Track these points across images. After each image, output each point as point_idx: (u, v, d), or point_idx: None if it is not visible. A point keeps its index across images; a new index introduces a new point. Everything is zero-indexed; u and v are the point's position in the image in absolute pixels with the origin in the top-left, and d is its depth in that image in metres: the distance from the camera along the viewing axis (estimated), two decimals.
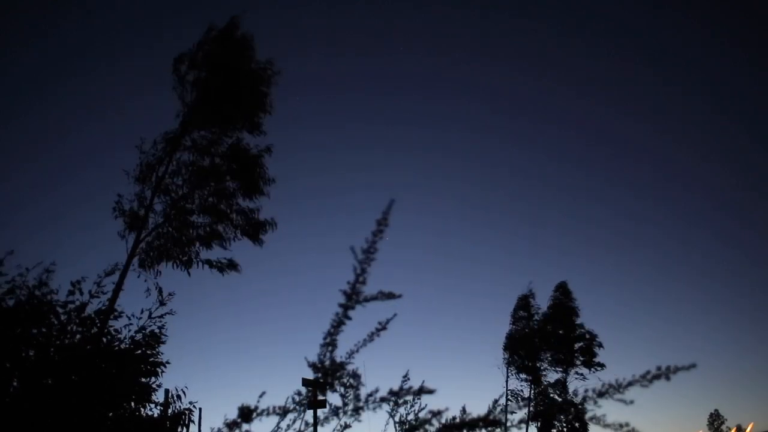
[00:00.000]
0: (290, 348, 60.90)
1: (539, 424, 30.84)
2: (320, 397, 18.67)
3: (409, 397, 2.34)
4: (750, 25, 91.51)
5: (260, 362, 62.02)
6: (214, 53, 15.21)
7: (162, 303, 6.30)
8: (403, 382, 2.60)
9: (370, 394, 2.20)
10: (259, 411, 2.13)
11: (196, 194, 14.68)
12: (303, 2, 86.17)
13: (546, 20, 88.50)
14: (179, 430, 6.42)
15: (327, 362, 2.15)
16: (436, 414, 2.04)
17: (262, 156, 15.21)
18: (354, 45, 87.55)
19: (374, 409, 2.19)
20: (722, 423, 54.89)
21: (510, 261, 71.23)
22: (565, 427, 30.84)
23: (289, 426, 2.60)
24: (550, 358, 31.63)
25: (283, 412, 2.24)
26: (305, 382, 18.98)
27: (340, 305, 2.06)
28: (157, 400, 6.29)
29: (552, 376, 32.07)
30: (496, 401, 2.22)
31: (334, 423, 2.31)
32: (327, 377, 2.17)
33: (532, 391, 31.59)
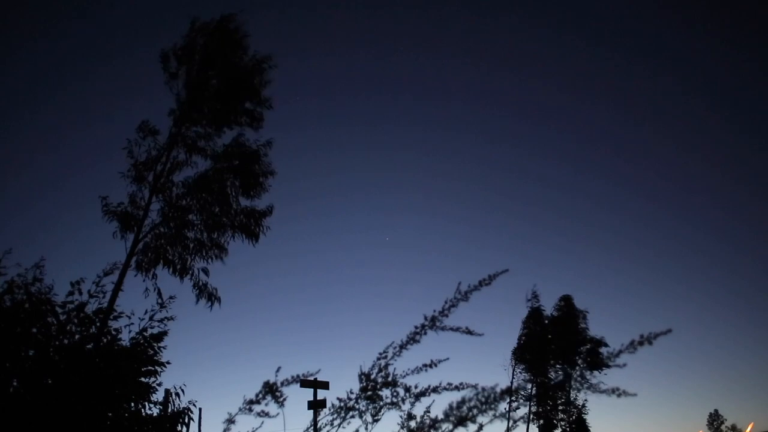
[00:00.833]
0: (290, 348, 60.90)
1: (541, 422, 31.01)
2: (320, 398, 18.70)
3: (425, 410, 2.36)
4: (750, 25, 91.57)
5: (260, 362, 62.01)
6: (205, 46, 15.06)
7: (162, 306, 6.28)
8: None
9: (408, 389, 2.25)
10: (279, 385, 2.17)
11: (195, 196, 14.50)
12: (304, 3, 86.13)
13: (545, 20, 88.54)
14: (179, 429, 6.42)
15: (379, 376, 2.18)
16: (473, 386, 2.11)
17: (261, 150, 14.99)
18: (353, 45, 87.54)
19: (413, 403, 2.25)
20: (722, 423, 54.92)
21: (509, 261, 71.25)
22: (567, 427, 30.99)
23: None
24: (556, 366, 32.10)
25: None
26: (304, 383, 18.96)
27: (417, 327, 2.20)
28: (156, 400, 6.28)
29: (556, 380, 32.42)
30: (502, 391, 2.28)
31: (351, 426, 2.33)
32: (376, 389, 2.20)
33: (534, 388, 31.88)
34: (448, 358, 2.35)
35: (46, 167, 66.30)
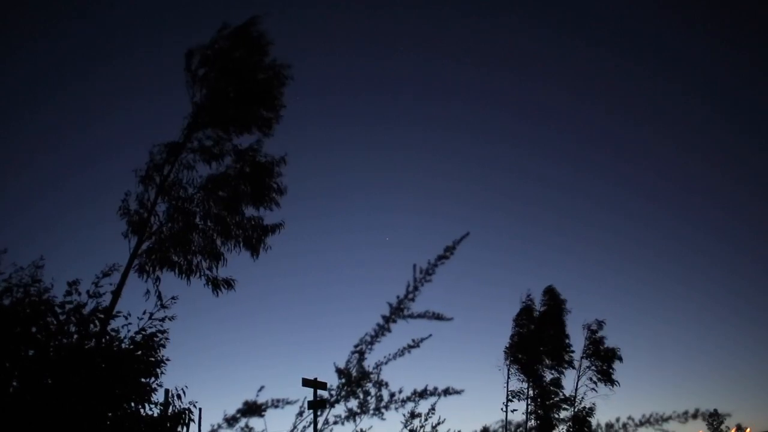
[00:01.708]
0: (290, 348, 60.95)
1: (538, 423, 31.07)
2: (320, 398, 18.77)
3: (424, 409, 2.37)
4: (750, 25, 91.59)
5: (260, 362, 62.02)
6: (229, 50, 14.98)
7: (163, 306, 6.31)
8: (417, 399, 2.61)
9: (393, 395, 2.22)
10: (263, 405, 2.15)
11: (201, 198, 14.57)
12: (304, 3, 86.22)
13: (545, 20, 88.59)
14: (179, 429, 6.45)
15: (354, 370, 2.18)
16: None
17: (275, 166, 15.04)
18: (353, 45, 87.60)
19: (396, 409, 2.21)
20: (722, 423, 54.98)
21: (509, 261, 71.27)
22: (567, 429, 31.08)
23: (305, 428, 2.61)
24: (548, 362, 32.18)
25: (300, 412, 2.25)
26: (305, 383, 19.07)
27: (384, 317, 2.08)
28: (157, 400, 6.31)
29: (550, 377, 32.54)
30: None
31: (348, 427, 2.32)
32: (352, 384, 2.18)
33: (530, 389, 31.94)
34: (431, 335, 2.28)
35: (46, 167, 66.33)
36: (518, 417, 31.15)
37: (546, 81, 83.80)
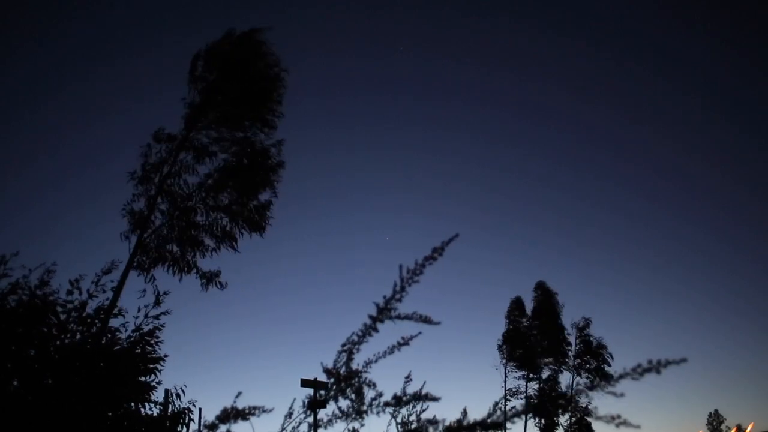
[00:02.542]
0: (290, 348, 60.98)
1: (543, 424, 31.02)
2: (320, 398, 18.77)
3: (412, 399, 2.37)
4: (750, 25, 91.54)
5: (260, 362, 62.08)
6: (232, 55, 15.25)
7: (157, 303, 6.33)
8: (405, 383, 2.62)
9: (374, 398, 2.21)
10: (241, 412, 2.13)
11: (201, 193, 14.66)
12: (304, 3, 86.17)
13: (545, 20, 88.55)
14: (179, 429, 6.45)
15: (342, 369, 2.17)
16: (434, 422, 2.06)
17: (271, 149, 15.23)
18: (353, 45, 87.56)
19: (378, 413, 2.19)
20: (722, 423, 54.95)
21: (509, 261, 71.25)
22: (570, 429, 31.03)
23: (294, 428, 2.60)
24: (545, 358, 32.11)
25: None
26: (304, 383, 19.05)
27: (371, 317, 2.05)
28: (156, 399, 6.31)
29: (548, 374, 32.49)
30: (496, 404, 2.27)
31: (338, 426, 2.32)
32: (340, 383, 2.17)
33: (528, 385, 31.91)
34: (420, 333, 2.26)
35: (47, 167, 66.34)
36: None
37: (546, 81, 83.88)
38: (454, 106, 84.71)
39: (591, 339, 32.21)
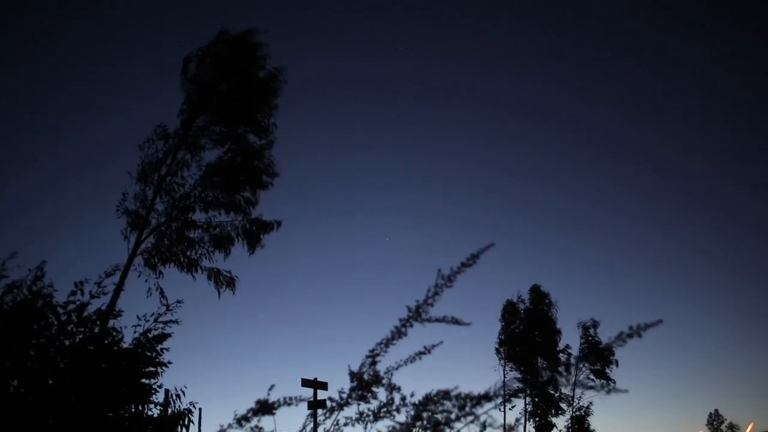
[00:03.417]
0: (290, 348, 60.94)
1: (537, 424, 31.03)
2: (320, 398, 18.75)
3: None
4: (750, 25, 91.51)
5: (260, 363, 62.05)
6: (227, 56, 15.22)
7: (168, 309, 6.28)
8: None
9: (404, 398, 2.21)
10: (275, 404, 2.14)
11: (199, 191, 14.65)
12: (304, 3, 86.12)
13: (545, 20, 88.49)
14: (179, 430, 6.44)
15: (366, 374, 2.17)
16: (446, 393, 2.06)
17: (264, 149, 15.21)
18: (353, 45, 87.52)
19: (408, 413, 2.20)
20: (722, 423, 54.93)
21: (509, 261, 71.20)
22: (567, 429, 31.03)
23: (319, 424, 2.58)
24: (542, 362, 32.11)
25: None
26: (304, 383, 19.04)
27: (401, 320, 2.08)
28: (156, 400, 6.30)
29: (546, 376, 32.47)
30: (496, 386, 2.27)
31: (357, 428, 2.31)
32: (363, 388, 2.18)
33: (528, 388, 31.84)
34: (441, 342, 2.27)
35: (46, 167, 66.30)
36: (516, 415, 31.08)
37: (546, 81, 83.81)
38: (454, 106, 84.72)
39: (597, 341, 32.11)
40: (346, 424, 2.26)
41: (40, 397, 4.94)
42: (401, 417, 2.17)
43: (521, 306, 33.12)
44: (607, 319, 33.52)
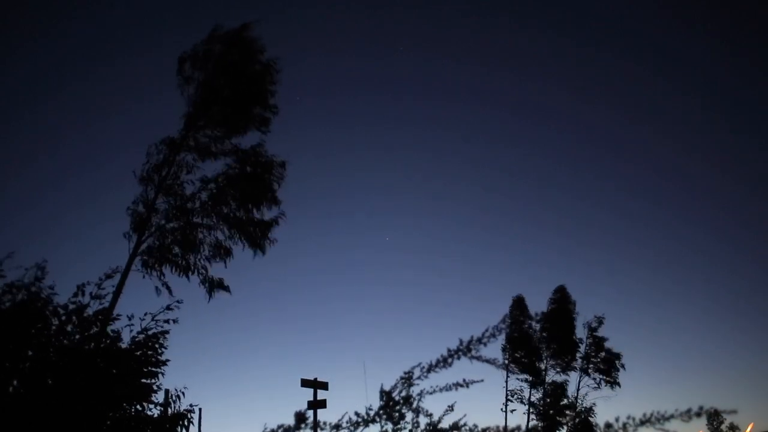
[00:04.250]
0: (290, 348, 60.92)
1: (543, 424, 30.89)
2: (320, 398, 18.75)
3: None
4: (750, 25, 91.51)
5: (259, 363, 62.03)
6: (223, 54, 15.16)
7: (168, 308, 6.30)
8: (445, 413, 2.59)
9: (431, 425, 2.22)
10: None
11: (200, 196, 14.65)
12: (304, 3, 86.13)
13: (545, 20, 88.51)
14: (179, 430, 6.44)
15: (398, 394, 2.16)
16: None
17: (275, 166, 15.13)
18: (353, 45, 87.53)
19: None
20: (722, 423, 54.98)
21: (509, 261, 71.22)
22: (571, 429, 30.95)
23: None
24: (552, 361, 31.88)
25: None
26: (304, 383, 19.03)
27: (450, 351, 2.09)
28: (156, 401, 6.30)
29: (553, 377, 32.25)
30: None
31: None
32: (392, 407, 2.17)
33: (531, 392, 31.68)
34: (482, 380, 2.29)
35: (47, 167, 66.32)
36: (518, 418, 30.97)
37: (546, 81, 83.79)
38: (454, 106, 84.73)
39: (603, 341, 32.00)
40: None
41: (40, 397, 4.94)
42: None
43: (530, 305, 32.90)
44: (608, 319, 33.50)
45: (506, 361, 31.57)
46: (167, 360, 6.31)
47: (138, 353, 5.99)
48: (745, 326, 70.63)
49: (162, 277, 14.42)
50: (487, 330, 2.02)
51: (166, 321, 6.23)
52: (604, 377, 31.40)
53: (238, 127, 15.30)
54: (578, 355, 32.15)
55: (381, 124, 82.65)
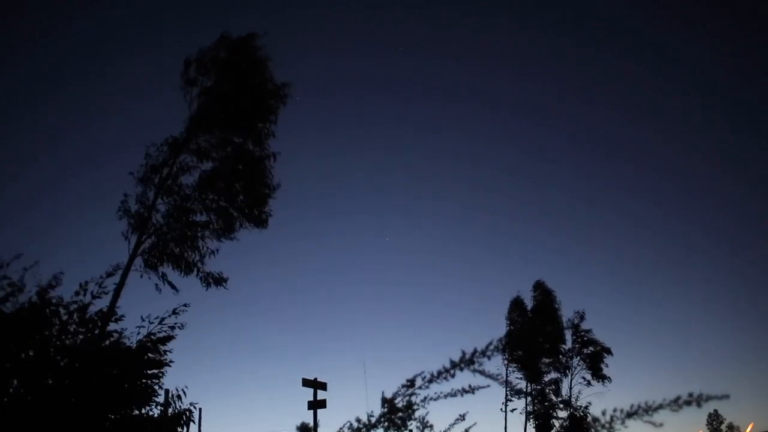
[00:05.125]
0: (290, 348, 60.93)
1: (537, 423, 30.98)
2: (320, 398, 18.76)
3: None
4: (750, 25, 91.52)
5: (260, 363, 62.06)
6: (229, 61, 15.27)
7: (174, 312, 6.31)
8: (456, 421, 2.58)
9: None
10: None
11: (200, 195, 14.71)
12: (304, 3, 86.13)
13: (545, 20, 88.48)
14: (179, 430, 6.44)
15: (400, 402, 2.17)
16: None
17: (266, 158, 15.26)
18: (353, 45, 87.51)
19: None
20: (721, 423, 54.98)
21: (509, 262, 71.23)
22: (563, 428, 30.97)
23: None
24: (546, 360, 31.96)
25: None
26: (305, 383, 19.04)
27: (452, 362, 2.06)
28: (157, 400, 6.31)
29: (548, 376, 32.36)
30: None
31: None
32: (394, 413, 2.18)
33: (530, 386, 31.76)
34: (489, 386, 2.27)
35: (47, 167, 66.32)
36: (516, 418, 30.98)
37: (546, 81, 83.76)
38: (454, 106, 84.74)
39: (586, 336, 32.03)
40: None
41: (40, 397, 4.94)
42: None
43: (528, 304, 32.93)
44: (608, 319, 33.55)
45: (506, 362, 31.65)
46: (171, 361, 6.33)
47: (140, 353, 6.01)
48: (746, 326, 70.71)
49: (164, 276, 14.48)
50: (491, 343, 2.00)
51: (172, 327, 6.25)
52: (592, 372, 31.36)
53: (239, 134, 15.40)
54: (565, 348, 32.22)
55: (381, 124, 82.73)
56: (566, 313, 32.76)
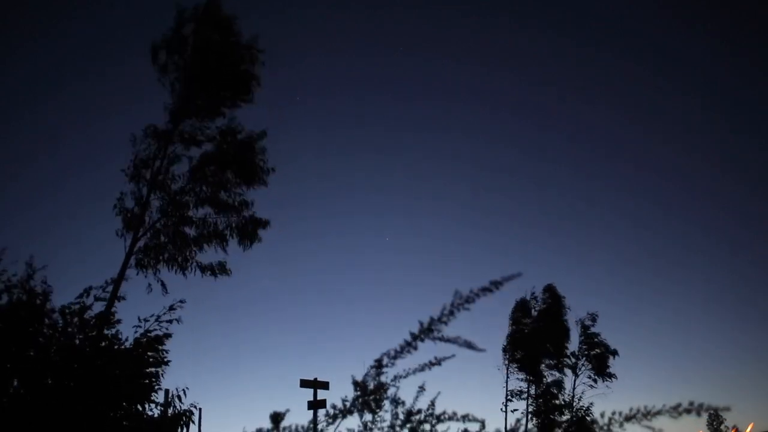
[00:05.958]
0: (290, 348, 60.85)
1: (539, 423, 30.94)
2: (320, 398, 18.70)
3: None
4: (750, 25, 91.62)
5: (260, 363, 61.96)
6: (197, 36, 14.77)
7: (171, 308, 6.25)
8: (418, 393, 2.56)
9: (410, 413, 2.20)
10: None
11: (193, 185, 14.47)
12: (304, 3, 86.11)
13: (545, 20, 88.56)
14: (179, 430, 6.39)
15: (372, 383, 2.16)
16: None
17: (256, 140, 14.89)
18: (353, 45, 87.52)
19: (413, 429, 2.19)
20: (722, 423, 54.99)
21: (508, 262, 71.16)
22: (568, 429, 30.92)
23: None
24: (548, 361, 31.91)
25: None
26: (303, 383, 18.98)
27: (412, 335, 2.07)
28: (157, 400, 6.27)
29: (550, 377, 32.32)
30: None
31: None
32: (367, 396, 2.18)
33: (532, 388, 31.72)
34: (454, 355, 2.27)
35: (47, 167, 66.24)
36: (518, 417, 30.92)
37: (546, 81, 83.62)
38: (454, 106, 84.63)
39: (596, 339, 31.95)
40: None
41: (40, 396, 4.91)
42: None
43: (534, 306, 32.86)
44: (608, 319, 33.49)
45: (506, 362, 31.63)
46: (168, 360, 6.27)
47: (137, 353, 5.96)
48: (746, 326, 70.59)
49: (157, 274, 14.34)
50: (444, 308, 2.01)
51: (169, 321, 6.19)
52: (596, 373, 31.28)
53: (222, 106, 15.00)
54: (571, 351, 32.19)
55: (381, 124, 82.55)
56: (571, 316, 32.66)
